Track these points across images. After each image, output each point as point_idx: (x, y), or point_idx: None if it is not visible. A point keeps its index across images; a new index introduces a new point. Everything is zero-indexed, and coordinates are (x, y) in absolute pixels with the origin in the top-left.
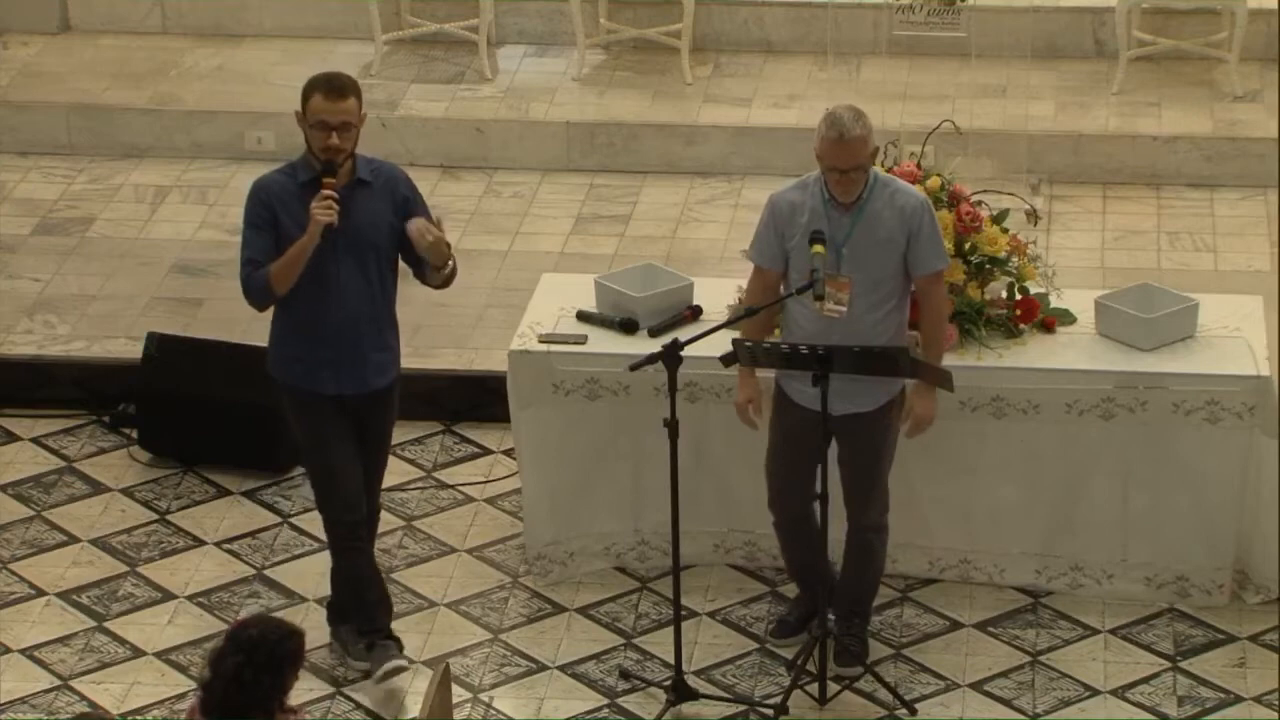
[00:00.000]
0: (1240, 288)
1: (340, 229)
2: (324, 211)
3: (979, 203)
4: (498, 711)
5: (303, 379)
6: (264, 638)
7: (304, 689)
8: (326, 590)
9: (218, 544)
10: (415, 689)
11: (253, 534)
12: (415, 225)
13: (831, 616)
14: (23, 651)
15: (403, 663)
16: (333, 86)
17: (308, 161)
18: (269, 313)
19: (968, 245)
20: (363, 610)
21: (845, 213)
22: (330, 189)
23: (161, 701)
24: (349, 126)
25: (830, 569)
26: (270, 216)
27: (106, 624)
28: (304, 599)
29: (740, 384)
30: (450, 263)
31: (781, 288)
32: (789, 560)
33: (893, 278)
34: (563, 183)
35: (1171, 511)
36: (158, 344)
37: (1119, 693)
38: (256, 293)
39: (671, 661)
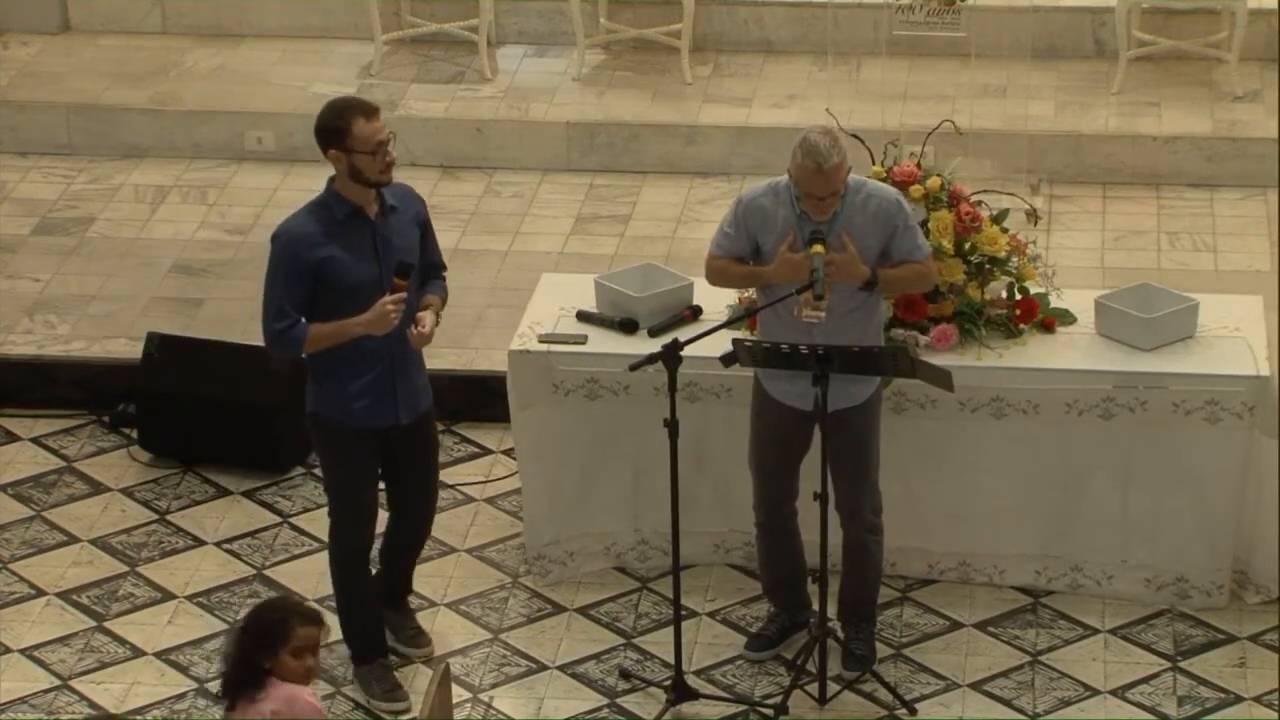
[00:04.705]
0: (1240, 288)
1: (384, 259)
2: (398, 314)
3: (979, 203)
4: (498, 711)
5: (360, 416)
6: (254, 611)
7: None
8: (326, 590)
9: (218, 544)
10: (415, 689)
11: (253, 534)
12: (419, 333)
13: (832, 619)
14: (23, 651)
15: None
16: (367, 106)
17: (340, 196)
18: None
19: (968, 245)
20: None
21: (819, 222)
22: (403, 289)
23: (161, 701)
24: (392, 138)
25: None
26: (307, 265)
27: (106, 624)
28: (304, 599)
29: (772, 270)
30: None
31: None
32: (767, 570)
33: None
34: (563, 183)
35: (1171, 511)
36: (158, 344)
37: (1119, 693)
38: (286, 348)
39: (671, 661)
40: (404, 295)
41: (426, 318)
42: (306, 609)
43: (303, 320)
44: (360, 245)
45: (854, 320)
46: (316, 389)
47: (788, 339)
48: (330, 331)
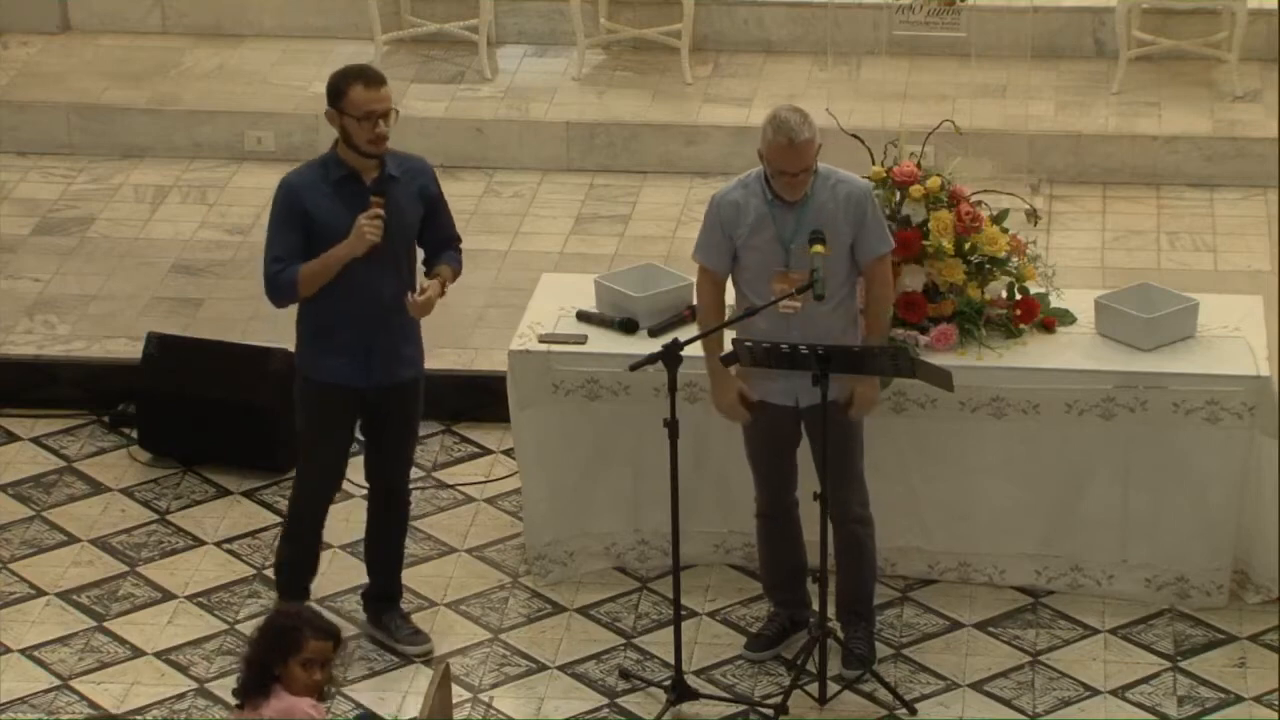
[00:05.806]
0: (1240, 288)
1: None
2: (373, 230)
3: (979, 203)
4: (498, 711)
5: (330, 373)
6: (271, 615)
7: None
8: (325, 590)
9: (217, 544)
10: (415, 689)
11: (253, 534)
12: (416, 300)
13: (832, 619)
14: (23, 651)
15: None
16: (371, 75)
17: (339, 158)
18: (280, 307)
19: (968, 245)
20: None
21: (790, 210)
22: (379, 206)
23: (161, 701)
24: (390, 113)
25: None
26: (301, 214)
27: (106, 624)
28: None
29: (716, 386)
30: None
31: (731, 283)
32: (768, 565)
33: (841, 269)
34: (563, 183)
35: (1171, 511)
36: (158, 344)
37: (1119, 693)
38: (281, 290)
39: (671, 661)
40: (380, 212)
41: (430, 286)
42: (323, 622)
43: (295, 263)
44: (352, 209)
45: (831, 312)
46: (300, 344)
47: (764, 334)
48: (317, 266)
